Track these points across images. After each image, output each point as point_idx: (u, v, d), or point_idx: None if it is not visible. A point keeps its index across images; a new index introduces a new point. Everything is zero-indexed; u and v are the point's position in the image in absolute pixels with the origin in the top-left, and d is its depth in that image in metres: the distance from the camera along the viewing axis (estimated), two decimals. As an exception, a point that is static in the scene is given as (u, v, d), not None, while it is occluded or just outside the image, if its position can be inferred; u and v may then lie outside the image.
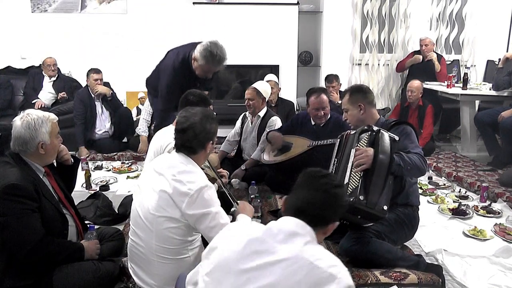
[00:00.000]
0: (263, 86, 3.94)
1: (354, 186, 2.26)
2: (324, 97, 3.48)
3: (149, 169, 2.10)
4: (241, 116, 4.14)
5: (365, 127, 2.38)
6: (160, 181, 1.96)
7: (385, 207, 2.21)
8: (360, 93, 2.61)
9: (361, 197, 2.18)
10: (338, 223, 1.43)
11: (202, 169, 2.13)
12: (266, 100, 3.99)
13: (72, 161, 2.39)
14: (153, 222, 1.93)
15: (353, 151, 2.33)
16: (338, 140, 2.62)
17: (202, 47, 3.18)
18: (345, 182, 2.29)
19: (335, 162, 2.54)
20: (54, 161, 2.29)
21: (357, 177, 2.27)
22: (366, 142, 2.32)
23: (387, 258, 2.32)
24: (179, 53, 3.44)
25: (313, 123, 3.58)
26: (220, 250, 1.39)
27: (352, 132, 2.49)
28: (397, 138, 2.33)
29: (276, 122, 3.88)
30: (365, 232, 2.36)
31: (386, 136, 2.30)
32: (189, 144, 2.00)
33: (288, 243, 1.31)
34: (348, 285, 1.26)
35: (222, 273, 1.34)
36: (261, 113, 3.92)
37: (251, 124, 4.00)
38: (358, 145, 2.34)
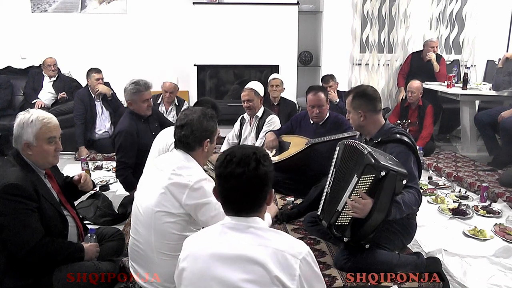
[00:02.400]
0: (258, 86, 3.96)
1: (344, 223, 2.26)
2: (322, 95, 3.46)
3: (150, 167, 2.14)
4: (239, 118, 4.15)
5: (373, 162, 2.12)
6: (160, 176, 1.99)
7: (367, 246, 2.26)
8: (362, 99, 2.47)
9: (346, 239, 2.26)
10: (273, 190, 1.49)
11: (205, 171, 2.14)
12: (262, 98, 4.00)
13: (92, 188, 2.39)
14: (152, 217, 1.96)
15: (355, 179, 2.20)
16: (338, 147, 2.50)
17: (126, 90, 3.31)
18: (337, 209, 2.28)
19: (333, 172, 2.48)
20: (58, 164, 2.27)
21: (349, 215, 2.22)
22: (368, 185, 2.14)
23: (383, 269, 2.30)
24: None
25: (311, 122, 3.58)
26: (191, 268, 1.40)
27: (355, 143, 2.35)
28: (405, 181, 2.16)
29: (274, 120, 3.88)
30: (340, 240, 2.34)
31: (392, 180, 2.11)
32: (185, 140, 2.04)
33: (247, 234, 1.37)
34: (304, 256, 1.34)
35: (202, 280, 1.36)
36: (259, 113, 3.93)
37: (250, 125, 4.00)
38: (361, 181, 2.18)
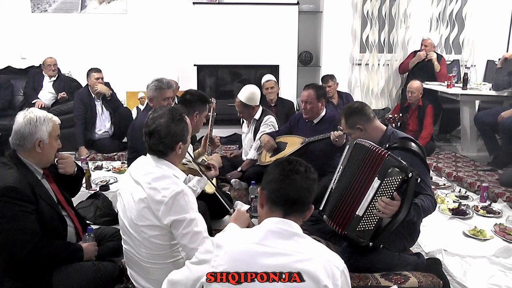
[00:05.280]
0: (249, 94, 3.82)
1: (367, 228, 2.23)
2: (311, 92, 3.44)
3: (127, 176, 2.05)
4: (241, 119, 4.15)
5: (398, 164, 2.15)
6: (137, 190, 1.91)
7: (381, 246, 2.29)
8: (354, 115, 2.52)
9: (370, 244, 2.24)
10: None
11: (185, 164, 2.10)
12: (258, 104, 3.91)
13: (75, 172, 2.32)
14: (138, 231, 1.90)
15: (376, 181, 2.19)
16: (348, 146, 2.53)
17: (149, 87, 3.33)
18: (358, 214, 2.25)
19: (340, 170, 2.48)
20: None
21: (373, 219, 2.21)
22: (395, 187, 2.15)
23: (383, 269, 2.31)
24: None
25: (307, 120, 3.58)
26: (229, 269, 1.34)
27: (366, 142, 2.37)
28: (419, 179, 2.18)
29: (270, 120, 3.86)
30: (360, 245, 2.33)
31: (414, 180, 2.14)
32: (156, 148, 1.95)
33: (291, 242, 1.36)
34: (343, 268, 1.36)
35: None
36: (257, 116, 3.91)
37: (247, 126, 4.00)
38: (385, 183, 2.17)
